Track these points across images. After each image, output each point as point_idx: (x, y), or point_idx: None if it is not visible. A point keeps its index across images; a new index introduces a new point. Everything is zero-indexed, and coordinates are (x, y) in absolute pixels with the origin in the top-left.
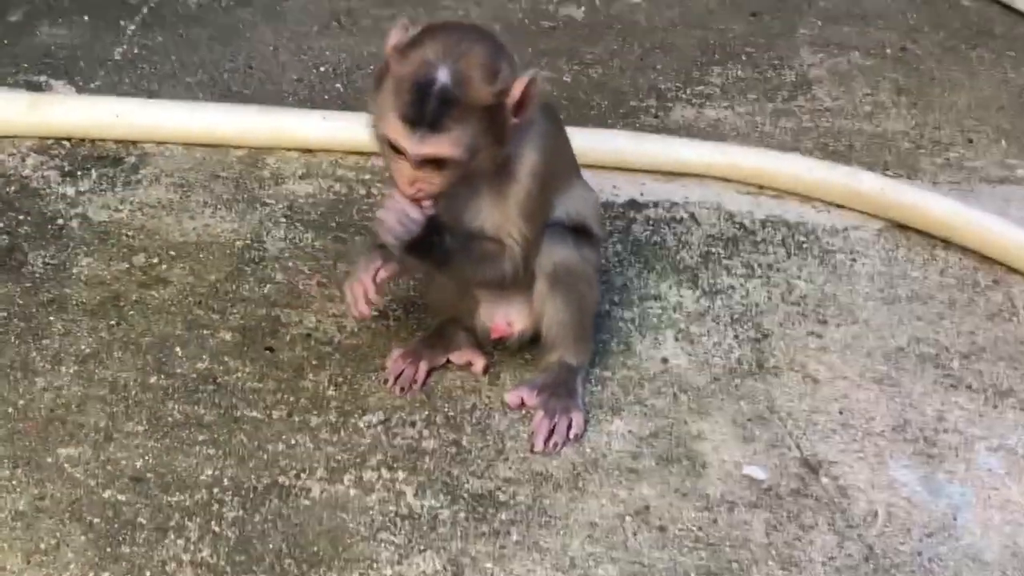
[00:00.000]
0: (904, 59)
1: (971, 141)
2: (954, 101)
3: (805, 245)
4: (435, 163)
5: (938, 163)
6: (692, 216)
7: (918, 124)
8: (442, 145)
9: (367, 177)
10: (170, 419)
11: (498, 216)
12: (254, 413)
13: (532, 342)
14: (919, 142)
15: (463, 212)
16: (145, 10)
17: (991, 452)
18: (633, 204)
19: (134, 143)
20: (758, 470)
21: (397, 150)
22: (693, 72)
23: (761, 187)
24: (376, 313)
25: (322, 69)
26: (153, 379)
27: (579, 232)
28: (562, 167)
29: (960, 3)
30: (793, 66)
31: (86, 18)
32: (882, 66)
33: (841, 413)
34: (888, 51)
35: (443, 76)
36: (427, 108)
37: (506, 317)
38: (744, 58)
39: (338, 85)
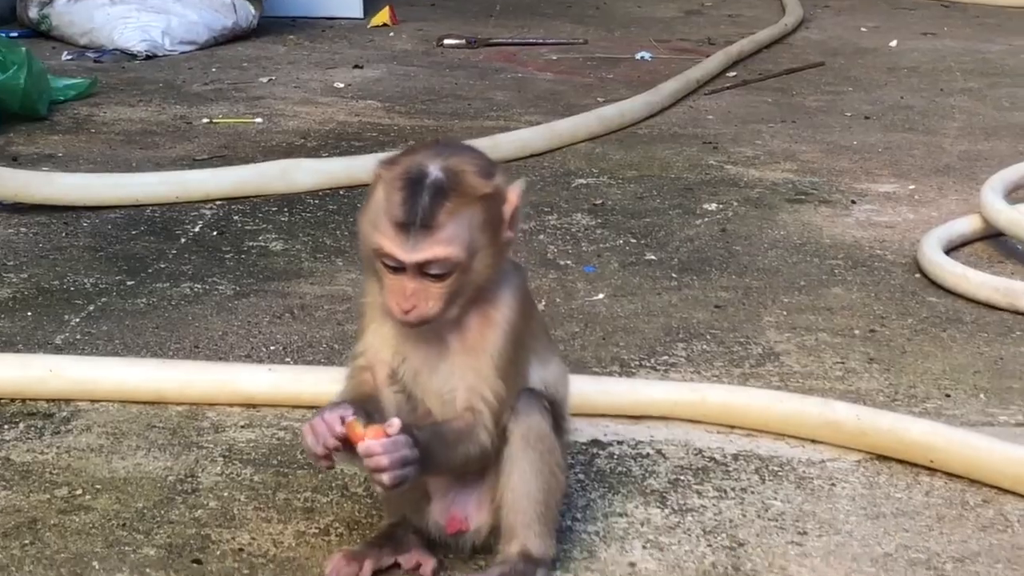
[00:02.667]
0: (873, 338)
1: (948, 396)
2: (928, 367)
3: (780, 473)
4: (433, 271)
5: (916, 412)
6: (659, 452)
7: (892, 384)
8: (438, 245)
9: None
10: None
11: (472, 376)
12: None
13: (487, 550)
14: (895, 396)
15: (434, 374)
16: (91, 307)
17: None
18: (596, 443)
19: (67, 401)
20: None
21: (391, 265)
22: (657, 347)
23: (732, 427)
24: (316, 531)
25: (272, 348)
26: None
27: (553, 411)
28: (536, 327)
29: (927, 299)
30: (760, 343)
31: (29, 314)
32: (851, 343)
33: None
34: (856, 332)
35: (435, 170)
36: (420, 206)
37: (463, 510)
38: (709, 337)
39: (288, 359)
